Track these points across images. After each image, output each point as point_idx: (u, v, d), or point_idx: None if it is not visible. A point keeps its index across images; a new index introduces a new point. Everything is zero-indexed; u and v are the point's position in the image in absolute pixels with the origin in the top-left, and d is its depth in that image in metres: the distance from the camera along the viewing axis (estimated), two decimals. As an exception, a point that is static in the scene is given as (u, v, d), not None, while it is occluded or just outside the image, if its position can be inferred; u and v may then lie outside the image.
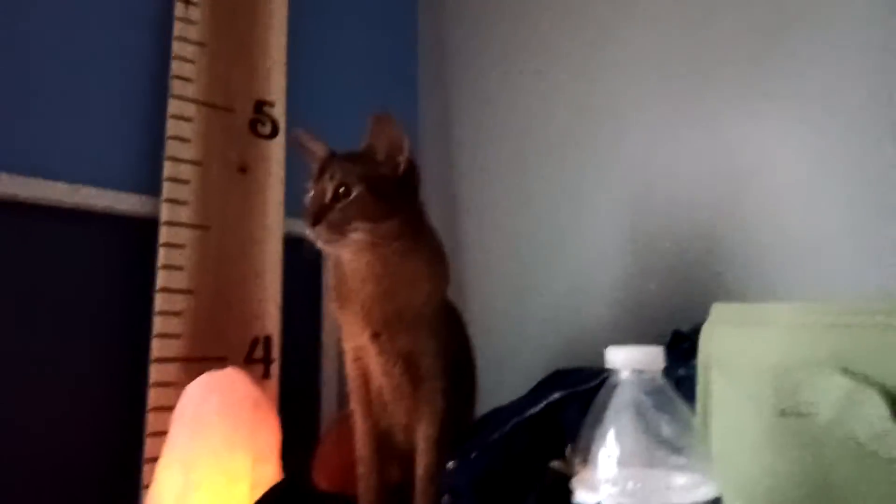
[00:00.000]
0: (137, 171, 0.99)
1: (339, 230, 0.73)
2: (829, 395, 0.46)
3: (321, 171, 0.76)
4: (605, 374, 0.74)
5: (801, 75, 0.84)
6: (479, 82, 1.31)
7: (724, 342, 0.57)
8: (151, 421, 0.90)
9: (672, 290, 0.95)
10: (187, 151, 0.99)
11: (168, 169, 0.97)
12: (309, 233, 0.73)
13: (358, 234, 0.73)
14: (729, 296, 0.84)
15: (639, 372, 0.46)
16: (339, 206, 0.73)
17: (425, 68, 1.43)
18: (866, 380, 0.45)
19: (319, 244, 0.74)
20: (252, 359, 1.01)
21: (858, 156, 0.79)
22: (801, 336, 0.50)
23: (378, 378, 0.79)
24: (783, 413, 0.49)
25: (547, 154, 1.15)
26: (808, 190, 0.83)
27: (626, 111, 1.04)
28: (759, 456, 0.50)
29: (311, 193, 0.76)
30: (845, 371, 0.46)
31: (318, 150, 0.81)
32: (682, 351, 0.67)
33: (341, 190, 0.73)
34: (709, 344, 0.59)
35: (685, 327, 0.78)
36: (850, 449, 0.45)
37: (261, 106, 1.08)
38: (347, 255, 0.77)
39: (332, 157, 0.78)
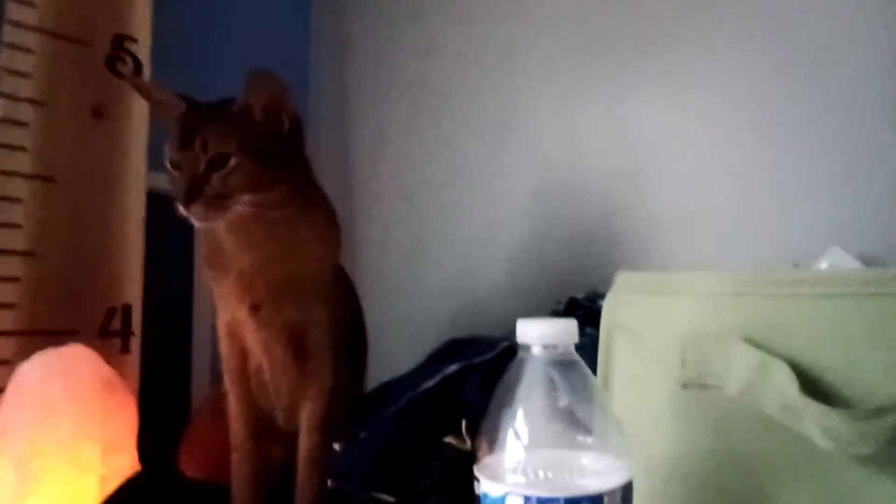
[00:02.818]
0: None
1: (220, 206, 0.62)
2: (738, 366, 0.44)
3: (186, 133, 0.63)
4: (504, 345, 0.71)
5: (694, 55, 0.86)
6: (376, 46, 1.23)
7: (628, 311, 0.55)
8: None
9: (568, 260, 0.95)
10: (26, 88, 0.84)
11: (1, 107, 0.82)
12: (182, 212, 0.62)
13: (242, 208, 0.63)
14: (625, 264, 0.85)
15: (552, 347, 0.42)
16: (217, 177, 0.62)
17: (318, 12, 1.32)
18: (775, 352, 0.43)
19: (197, 224, 0.63)
20: (108, 331, 0.89)
21: (749, 131, 0.81)
22: (709, 306, 0.48)
23: (257, 355, 0.71)
24: (686, 385, 0.47)
25: (444, 124, 1.11)
26: (703, 163, 0.85)
27: (527, 83, 1.02)
28: (662, 427, 0.48)
29: (176, 161, 0.64)
30: (753, 342, 0.44)
31: (170, 100, 0.67)
32: (578, 318, 0.65)
33: (217, 158, 0.62)
34: (613, 312, 0.56)
35: (581, 295, 0.76)
36: (758, 422, 0.43)
37: (121, 41, 0.93)
38: (224, 226, 0.66)
39: (196, 113, 0.65)
